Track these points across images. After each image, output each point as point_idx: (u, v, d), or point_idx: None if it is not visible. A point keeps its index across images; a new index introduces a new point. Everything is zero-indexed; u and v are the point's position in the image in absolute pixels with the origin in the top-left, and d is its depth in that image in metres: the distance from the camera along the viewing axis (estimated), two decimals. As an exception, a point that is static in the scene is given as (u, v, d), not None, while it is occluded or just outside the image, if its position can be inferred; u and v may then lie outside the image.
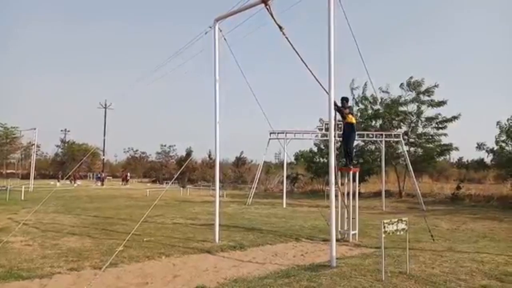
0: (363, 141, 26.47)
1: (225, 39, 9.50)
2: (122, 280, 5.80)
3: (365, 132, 23.03)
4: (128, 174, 48.28)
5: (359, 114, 27.99)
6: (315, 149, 34.65)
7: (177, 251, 8.01)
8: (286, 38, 8.10)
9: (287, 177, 25.96)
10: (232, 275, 6.16)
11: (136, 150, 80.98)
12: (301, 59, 8.16)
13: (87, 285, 5.00)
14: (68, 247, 8.12)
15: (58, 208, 16.60)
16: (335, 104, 8.49)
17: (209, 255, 7.82)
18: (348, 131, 9.99)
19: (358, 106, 29.25)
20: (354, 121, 9.92)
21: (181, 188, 32.52)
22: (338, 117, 9.79)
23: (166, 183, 50.83)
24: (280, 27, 8.09)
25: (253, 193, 22.17)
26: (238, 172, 47.47)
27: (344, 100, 9.94)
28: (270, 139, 21.60)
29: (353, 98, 29.51)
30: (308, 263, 7.18)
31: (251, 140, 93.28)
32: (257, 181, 23.16)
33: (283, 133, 21.30)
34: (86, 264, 6.74)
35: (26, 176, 59.88)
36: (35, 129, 34.70)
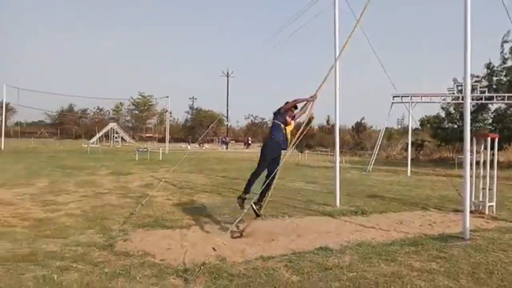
0: (506, 104, 23.39)
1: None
2: (251, 234, 6.22)
3: (506, 94, 20.31)
4: (249, 139, 50.53)
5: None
6: (442, 114, 31.83)
7: (299, 212, 8.26)
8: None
9: (411, 144, 24.48)
10: (355, 239, 6.15)
11: (256, 116, 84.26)
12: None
13: (220, 237, 5.49)
14: (202, 204, 8.98)
15: (191, 168, 18.33)
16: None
17: (331, 218, 7.90)
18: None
19: (506, 63, 25.78)
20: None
21: (299, 153, 32.99)
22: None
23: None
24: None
25: (374, 159, 21.47)
26: (357, 137, 46.22)
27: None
28: (393, 103, 20.48)
29: (501, 52, 26.06)
30: (437, 233, 6.79)
31: (371, 105, 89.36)
32: (378, 147, 22.29)
33: (408, 96, 19.97)
34: (218, 218, 7.39)
35: (161, 140, 67.03)
36: (167, 97, 38.36)
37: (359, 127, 49.71)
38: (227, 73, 58.91)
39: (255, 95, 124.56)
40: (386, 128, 28.75)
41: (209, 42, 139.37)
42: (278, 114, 6.89)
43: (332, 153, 34.25)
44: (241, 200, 6.82)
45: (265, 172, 6.86)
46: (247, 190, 6.93)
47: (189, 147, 49.18)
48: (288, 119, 6.90)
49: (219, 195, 10.31)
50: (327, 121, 52.44)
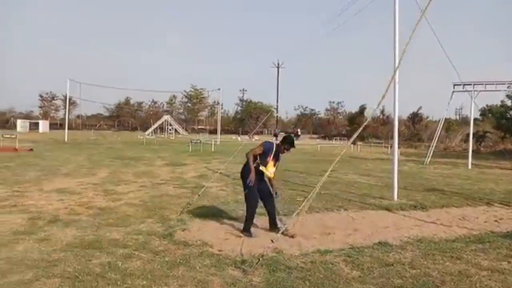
0: None
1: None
2: (306, 227, 6.14)
3: None
4: (299, 130, 50.21)
5: None
6: (508, 102, 29.77)
7: (355, 206, 8.06)
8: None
9: (472, 135, 23.13)
10: (415, 235, 5.90)
11: (306, 107, 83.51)
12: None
13: (283, 228, 5.46)
14: (255, 195, 9.00)
15: (243, 160, 18.46)
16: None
17: (388, 212, 7.64)
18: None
19: None
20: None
21: (352, 145, 32.28)
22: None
23: (335, 139, 51.31)
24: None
25: (432, 151, 20.54)
26: (413, 129, 44.42)
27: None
28: (453, 91, 19.43)
29: None
30: (505, 230, 6.36)
31: (428, 95, 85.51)
32: (437, 138, 21.29)
33: (470, 84, 18.80)
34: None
35: (212, 131, 68.41)
36: (219, 89, 38.89)
37: (415, 118, 47.71)
38: (278, 64, 58.61)
39: (305, 86, 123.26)
40: (445, 119, 27.39)
41: (259, 34, 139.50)
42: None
43: (386, 145, 33.26)
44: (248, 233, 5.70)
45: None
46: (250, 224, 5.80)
47: (239, 138, 49.75)
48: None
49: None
50: (382, 112, 50.83)
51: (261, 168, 5.70)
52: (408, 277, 4.10)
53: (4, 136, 23.97)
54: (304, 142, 45.40)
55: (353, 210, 7.70)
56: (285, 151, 5.86)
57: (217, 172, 12.66)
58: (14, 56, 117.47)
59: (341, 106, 78.98)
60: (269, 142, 6.02)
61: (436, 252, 5.00)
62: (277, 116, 62.07)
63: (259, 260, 4.25)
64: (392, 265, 4.46)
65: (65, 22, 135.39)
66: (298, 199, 8.51)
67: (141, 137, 40.84)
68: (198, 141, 26.51)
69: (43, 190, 8.95)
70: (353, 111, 64.71)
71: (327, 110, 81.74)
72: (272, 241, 4.69)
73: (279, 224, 5.97)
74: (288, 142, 5.82)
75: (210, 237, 5.46)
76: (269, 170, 5.79)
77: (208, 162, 17.26)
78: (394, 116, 9.29)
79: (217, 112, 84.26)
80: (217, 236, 5.53)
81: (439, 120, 22.27)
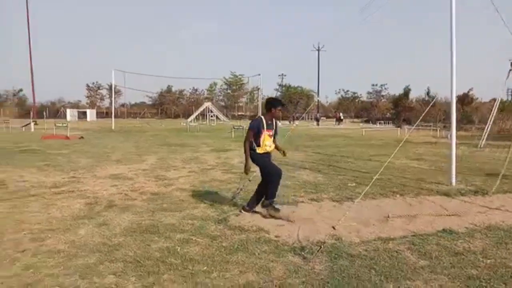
0: None
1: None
2: (363, 214, 5.93)
3: None
4: (341, 114, 49.22)
5: None
6: None
7: (411, 191, 7.71)
8: None
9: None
10: (481, 222, 5.53)
11: (347, 91, 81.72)
12: None
13: (343, 214, 5.29)
14: (304, 180, 8.84)
15: (285, 146, 18.31)
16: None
17: (447, 198, 7.25)
18: None
19: None
20: None
21: (398, 128, 31.26)
22: None
23: (379, 123, 49.92)
24: None
25: (486, 134, 19.43)
26: (463, 110, 42.33)
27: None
28: (510, 70, 18.14)
29: None
30: None
31: (479, 74, 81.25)
32: (491, 120, 20.11)
33: (530, 60, 17.48)
34: (324, 196, 7.19)
35: (252, 117, 68.38)
36: (259, 75, 38.68)
37: (465, 99, 45.37)
38: (318, 47, 57.42)
39: (346, 69, 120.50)
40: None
41: (298, 18, 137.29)
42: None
43: (434, 128, 31.91)
44: (270, 207, 5.69)
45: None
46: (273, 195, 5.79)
47: (279, 123, 49.51)
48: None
49: (319, 172, 10.07)
50: (427, 93, 48.76)
51: (257, 150, 5.67)
52: (483, 267, 3.82)
53: (57, 124, 25.12)
54: (347, 126, 44.54)
55: (410, 196, 7.37)
56: (280, 112, 5.79)
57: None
58: (62, 49, 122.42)
59: (385, 89, 76.71)
60: (255, 119, 5.85)
61: (509, 241, 4.65)
62: (318, 100, 61.08)
63: (320, 247, 4.12)
64: (462, 254, 4.19)
65: (107, 14, 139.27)
66: (349, 184, 8.27)
67: (184, 124, 41.54)
68: (240, 127, 26.52)
69: (97, 176, 9.21)
70: (397, 94, 62.74)
71: (369, 93, 79.67)
72: (333, 227, 4.53)
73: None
74: (273, 105, 5.73)
75: (265, 222, 5.37)
76: (266, 143, 5.69)
77: (252, 147, 17.20)
78: (452, 97, 8.73)
79: (256, 98, 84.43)
80: (271, 221, 5.43)
81: (490, 101, 20.96)
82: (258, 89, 42.83)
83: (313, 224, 5.37)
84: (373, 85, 78.03)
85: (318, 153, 14.85)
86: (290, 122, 53.01)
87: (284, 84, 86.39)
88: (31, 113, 47.38)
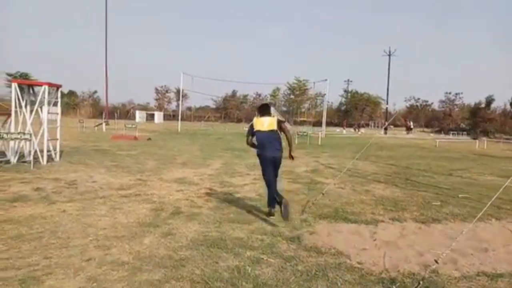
0: None
1: None
2: (456, 240, 5.11)
3: None
4: (411, 123, 46.66)
5: None
6: None
7: (508, 215, 6.70)
8: None
9: None
10: None
11: (418, 99, 77.84)
12: None
13: (447, 246, 4.58)
14: (380, 195, 8.07)
15: (354, 155, 17.43)
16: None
17: (558, 225, 6.17)
18: None
19: None
20: None
21: (475, 140, 28.87)
22: None
23: (452, 133, 46.73)
24: None
25: None
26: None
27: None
28: None
29: None
30: None
31: None
32: None
33: None
34: (406, 215, 6.40)
35: (315, 124, 67.37)
36: (326, 80, 37.64)
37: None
38: (389, 51, 55.02)
39: (416, 75, 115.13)
40: None
41: (365, 23, 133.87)
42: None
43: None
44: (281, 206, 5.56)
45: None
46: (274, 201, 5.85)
47: (344, 131, 48.07)
48: None
49: (395, 186, 9.22)
50: (511, 104, 44.77)
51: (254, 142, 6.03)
52: None
53: (127, 126, 26.12)
54: (417, 136, 42.16)
55: (508, 220, 6.38)
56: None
57: (329, 167, 11.99)
58: (132, 53, 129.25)
59: (459, 97, 71.96)
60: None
61: None
62: (386, 107, 58.48)
63: (419, 283, 3.45)
64: None
65: (176, 21, 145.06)
66: (434, 203, 7.38)
67: (246, 129, 41.54)
68: (305, 133, 25.86)
69: (163, 179, 9.12)
70: (472, 103, 58.47)
71: (441, 101, 75.23)
72: (436, 261, 3.83)
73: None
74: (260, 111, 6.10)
75: (344, 244, 4.77)
76: (261, 130, 5.86)
77: (317, 155, 16.52)
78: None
79: (320, 104, 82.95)
80: (350, 243, 4.82)
81: None
82: (324, 94, 41.68)
83: (399, 250, 4.68)
84: (446, 93, 73.61)
85: (392, 164, 13.82)
86: (355, 129, 51.29)
87: (350, 90, 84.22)
88: (104, 114, 50.04)
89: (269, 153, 5.79)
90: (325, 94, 40.13)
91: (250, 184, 8.84)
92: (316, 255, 4.36)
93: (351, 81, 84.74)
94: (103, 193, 7.28)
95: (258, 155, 5.95)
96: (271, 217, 5.76)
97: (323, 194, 6.75)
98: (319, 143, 24.51)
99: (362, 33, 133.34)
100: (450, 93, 73.05)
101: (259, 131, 5.87)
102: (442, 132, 52.27)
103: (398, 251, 4.60)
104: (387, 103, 57.30)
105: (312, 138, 25.70)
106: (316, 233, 5.20)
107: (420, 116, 74.82)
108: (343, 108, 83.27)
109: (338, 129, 54.75)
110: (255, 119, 6.07)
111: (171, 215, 5.91)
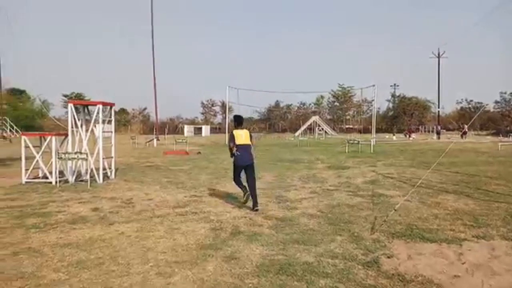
0: None
1: None
2: None
3: None
4: (466, 127, 44.10)
5: None
6: None
7: None
8: None
9: None
10: None
11: (471, 101, 74.12)
12: None
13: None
14: (454, 208, 7.32)
15: (411, 162, 16.49)
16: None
17: None
18: None
19: None
20: None
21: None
22: None
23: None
24: None
25: None
26: None
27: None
28: None
29: None
30: None
31: None
32: None
33: None
34: (492, 232, 5.66)
35: (361, 131, 65.66)
36: (374, 85, 36.49)
37: None
38: (438, 53, 52.76)
39: (467, 77, 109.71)
40: None
41: (411, 24, 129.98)
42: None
43: None
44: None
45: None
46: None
47: (394, 137, 46.33)
48: None
49: (468, 197, 8.40)
50: None
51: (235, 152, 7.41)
52: None
53: (177, 140, 26.49)
54: (473, 139, 39.75)
55: None
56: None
57: (388, 177, 11.29)
58: (179, 70, 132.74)
59: (516, 97, 67.69)
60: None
61: None
62: (438, 111, 55.89)
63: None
64: None
65: (219, 35, 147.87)
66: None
67: (292, 139, 41.10)
68: (356, 141, 24.96)
69: (217, 195, 8.88)
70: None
71: (496, 102, 71.09)
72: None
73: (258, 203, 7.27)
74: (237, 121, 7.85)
75: (430, 269, 4.19)
76: (240, 143, 7.38)
77: (372, 164, 15.74)
78: None
79: (366, 110, 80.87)
80: (437, 268, 4.24)
81: None
82: (372, 100, 40.44)
83: (498, 275, 4.04)
84: (501, 93, 69.50)
85: (456, 172, 12.80)
86: (405, 135, 49.31)
87: (397, 94, 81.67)
88: (154, 130, 51.32)
89: (243, 162, 7.40)
90: (373, 100, 38.81)
91: (308, 199, 8.39)
92: (401, 284, 3.83)
93: (397, 86, 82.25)
94: (159, 212, 7.10)
95: (234, 162, 7.55)
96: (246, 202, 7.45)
97: (395, 210, 6.17)
98: (371, 150, 23.58)
99: (405, 32, 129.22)
100: (505, 92, 68.97)
101: (239, 144, 7.33)
102: (500, 135, 49.03)
103: (497, 278, 3.97)
104: (438, 107, 54.79)
105: (363, 146, 24.78)
106: (395, 256, 4.65)
107: (475, 120, 71.01)
108: (390, 113, 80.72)
109: (387, 135, 52.90)
110: (234, 131, 7.51)
111: (231, 236, 5.59)
